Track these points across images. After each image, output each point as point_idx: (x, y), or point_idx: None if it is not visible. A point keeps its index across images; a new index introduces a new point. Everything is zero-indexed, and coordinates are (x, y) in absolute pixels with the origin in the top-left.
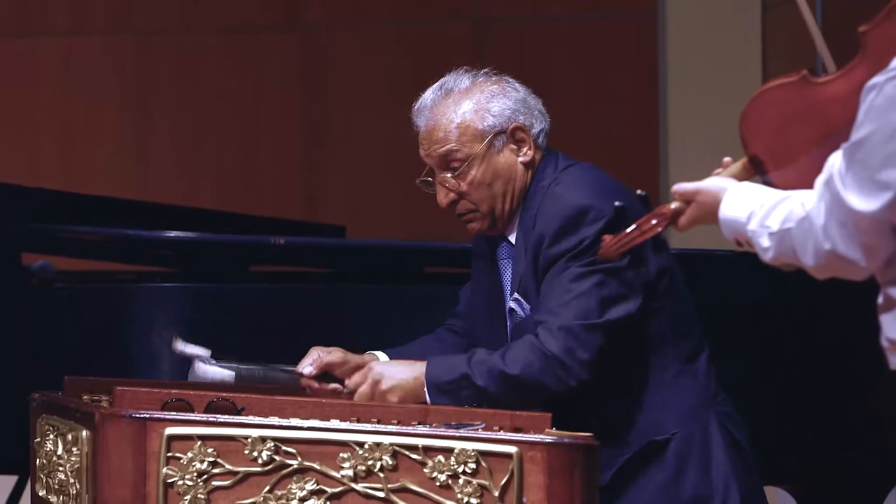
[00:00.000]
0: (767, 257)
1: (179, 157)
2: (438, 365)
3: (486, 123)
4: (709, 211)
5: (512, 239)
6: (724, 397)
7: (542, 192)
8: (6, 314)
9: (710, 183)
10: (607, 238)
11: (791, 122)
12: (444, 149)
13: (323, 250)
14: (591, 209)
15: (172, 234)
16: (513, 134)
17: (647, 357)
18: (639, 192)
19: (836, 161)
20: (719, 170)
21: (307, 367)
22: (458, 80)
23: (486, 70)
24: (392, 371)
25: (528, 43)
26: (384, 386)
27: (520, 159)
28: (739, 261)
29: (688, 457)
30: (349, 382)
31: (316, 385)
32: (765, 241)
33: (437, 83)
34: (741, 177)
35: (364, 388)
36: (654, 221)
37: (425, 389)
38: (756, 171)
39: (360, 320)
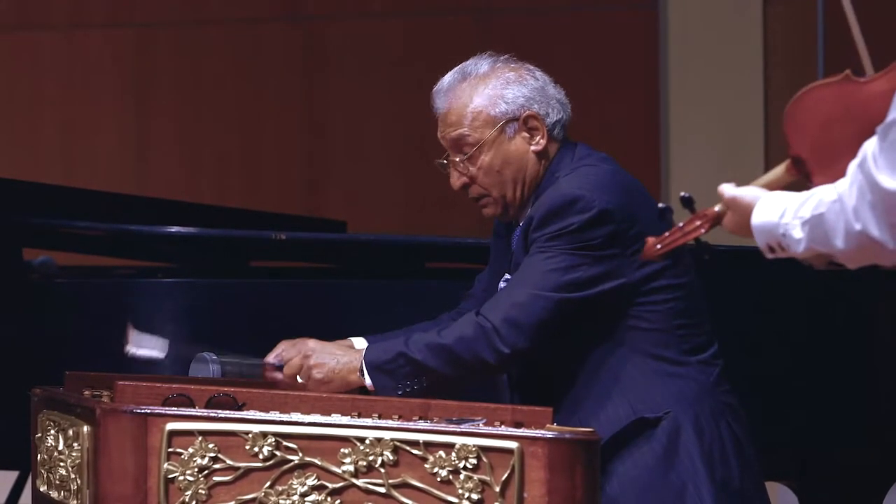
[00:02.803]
0: (800, 249)
1: (180, 149)
2: (377, 346)
3: (498, 110)
4: (743, 221)
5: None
6: (728, 391)
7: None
8: (7, 309)
9: (745, 192)
10: (650, 239)
11: (834, 122)
12: (456, 133)
13: (324, 245)
14: (580, 200)
15: (173, 229)
16: (525, 122)
17: (643, 345)
18: (682, 194)
19: (870, 144)
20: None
21: (270, 360)
22: (478, 64)
23: (506, 56)
24: (324, 350)
25: (529, 35)
26: (312, 361)
27: (532, 148)
28: (744, 257)
29: (678, 439)
30: (284, 354)
31: (280, 375)
32: (797, 233)
33: (458, 66)
34: (784, 180)
35: (295, 360)
36: (697, 223)
37: (364, 372)
38: (799, 171)
39: (360, 315)
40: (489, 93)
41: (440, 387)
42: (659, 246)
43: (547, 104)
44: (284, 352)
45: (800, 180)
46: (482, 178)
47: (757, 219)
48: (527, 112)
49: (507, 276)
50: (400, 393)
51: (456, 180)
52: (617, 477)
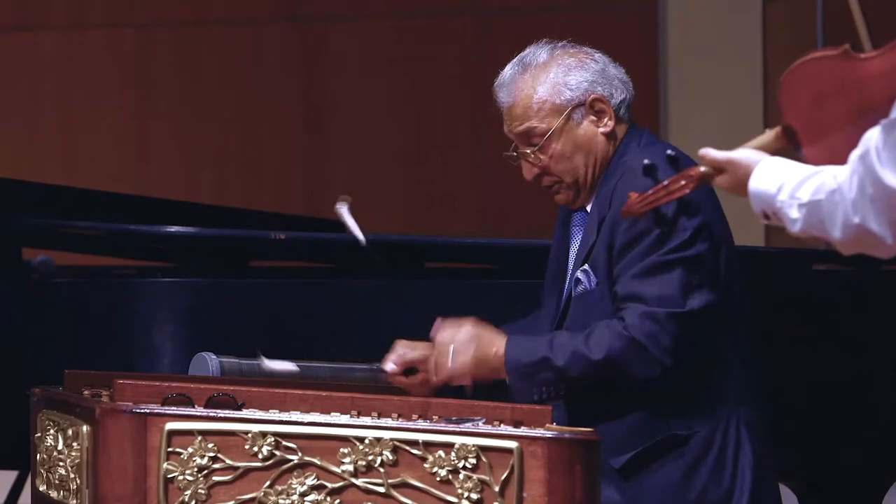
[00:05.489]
0: (795, 229)
1: (180, 149)
2: (518, 346)
3: (563, 98)
4: (739, 182)
5: (588, 208)
6: (750, 405)
7: (623, 168)
8: (7, 309)
9: (743, 154)
10: (633, 195)
11: (828, 96)
12: (524, 126)
13: (323, 245)
14: None
15: (173, 228)
16: (592, 105)
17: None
18: (669, 152)
19: (873, 136)
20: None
21: (389, 364)
22: (537, 53)
23: (564, 42)
24: (482, 336)
25: (528, 35)
26: (465, 349)
27: (600, 130)
28: (744, 256)
29: (705, 457)
30: (439, 335)
31: (405, 379)
32: (794, 213)
33: (517, 57)
34: (772, 146)
35: (445, 336)
36: (682, 182)
37: (505, 371)
38: (789, 141)
39: (360, 314)
40: (552, 81)
41: (576, 392)
42: (642, 203)
43: (610, 85)
44: (442, 331)
45: (789, 149)
46: (554, 166)
47: (755, 185)
48: (592, 96)
49: (585, 266)
50: (536, 398)
51: (528, 172)
52: (640, 487)
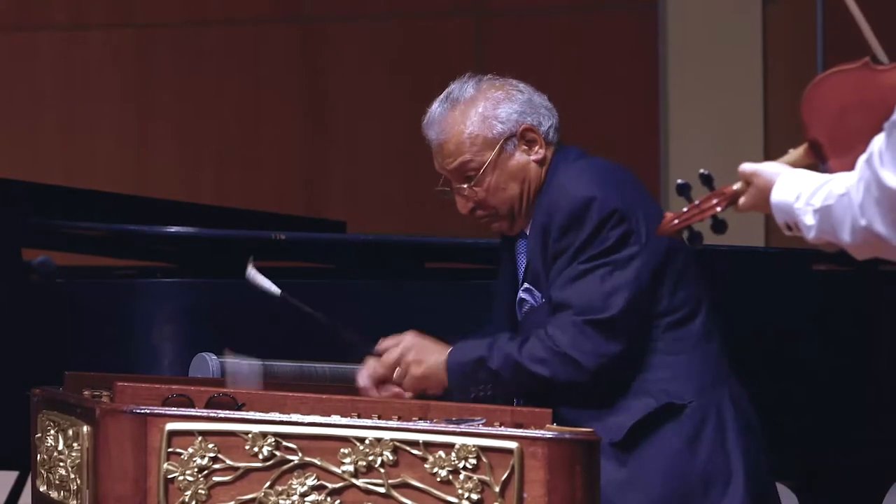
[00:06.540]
0: (811, 236)
1: (180, 150)
2: (461, 347)
3: (495, 131)
4: (763, 196)
5: (528, 232)
6: (735, 381)
7: (553, 185)
8: (7, 310)
9: (766, 167)
10: (668, 215)
11: (851, 109)
12: (457, 161)
13: (323, 245)
14: (595, 200)
15: (173, 229)
16: (523, 135)
17: (667, 331)
18: (702, 171)
19: (878, 140)
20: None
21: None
22: (463, 89)
23: (489, 76)
24: (424, 346)
25: (528, 36)
26: (411, 357)
27: (532, 158)
28: (744, 257)
29: (704, 427)
30: (380, 346)
31: (377, 393)
32: (808, 220)
33: (443, 94)
34: (802, 162)
35: (393, 353)
36: (714, 201)
37: (446, 371)
38: (816, 156)
39: (360, 315)
40: (482, 115)
41: (508, 396)
42: (676, 221)
43: (538, 113)
44: (382, 344)
45: (817, 164)
46: (490, 198)
47: (776, 196)
48: (522, 126)
49: (525, 285)
50: (472, 396)
51: (463, 206)
52: (644, 460)
